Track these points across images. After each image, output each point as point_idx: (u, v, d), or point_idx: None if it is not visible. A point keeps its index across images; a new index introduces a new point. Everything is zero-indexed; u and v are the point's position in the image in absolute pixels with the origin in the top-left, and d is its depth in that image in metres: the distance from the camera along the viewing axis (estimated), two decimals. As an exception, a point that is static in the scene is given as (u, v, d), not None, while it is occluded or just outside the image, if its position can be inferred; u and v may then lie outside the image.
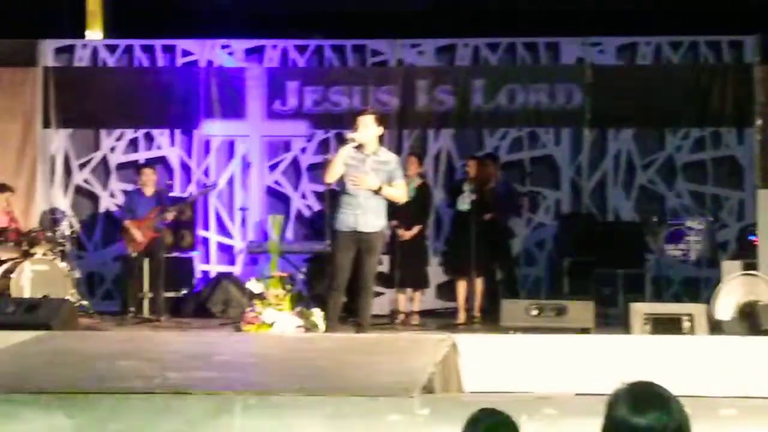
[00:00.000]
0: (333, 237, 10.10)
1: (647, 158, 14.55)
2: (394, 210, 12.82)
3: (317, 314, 10.52)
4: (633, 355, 8.70)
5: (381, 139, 10.32)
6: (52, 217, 14.47)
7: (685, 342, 9.57)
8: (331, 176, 9.97)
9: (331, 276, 10.03)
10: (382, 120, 10.20)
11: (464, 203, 12.73)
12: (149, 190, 13.67)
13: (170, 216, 13.52)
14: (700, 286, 13.99)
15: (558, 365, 8.68)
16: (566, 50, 14.76)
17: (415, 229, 13.04)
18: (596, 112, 14.56)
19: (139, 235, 13.39)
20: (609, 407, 3.26)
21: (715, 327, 10.94)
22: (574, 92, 14.65)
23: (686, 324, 10.50)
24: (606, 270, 13.50)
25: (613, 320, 12.28)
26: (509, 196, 13.81)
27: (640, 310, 10.61)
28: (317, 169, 14.31)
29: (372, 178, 9.85)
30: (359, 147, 9.91)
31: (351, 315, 10.77)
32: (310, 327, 10.79)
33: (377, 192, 9.91)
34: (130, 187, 14.34)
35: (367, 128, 9.90)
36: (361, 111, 10.46)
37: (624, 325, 10.89)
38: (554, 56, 14.82)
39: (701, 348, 9.00)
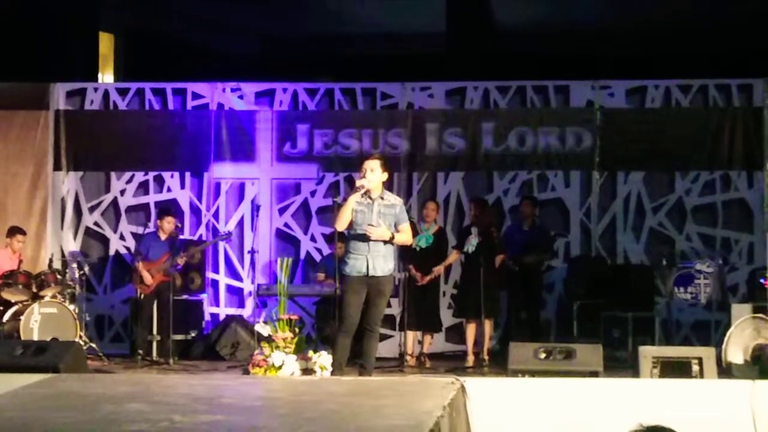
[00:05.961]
0: (343, 281, 10.08)
1: (657, 201, 14.55)
2: (412, 255, 12.85)
3: (325, 357, 10.49)
4: (642, 399, 8.63)
5: (389, 181, 10.33)
6: (61, 260, 14.47)
7: (694, 385, 9.50)
8: (342, 224, 9.99)
9: (341, 319, 10.02)
10: (388, 165, 10.22)
11: (470, 245, 12.73)
12: (164, 235, 13.68)
13: (182, 261, 13.55)
14: (710, 329, 13.99)
15: (566, 409, 8.63)
16: (576, 93, 14.79)
17: (433, 274, 13.03)
18: (606, 155, 14.58)
19: (148, 277, 13.40)
20: None
21: (725, 370, 10.90)
22: (583, 135, 14.66)
23: (695, 367, 10.42)
24: (615, 313, 13.47)
25: (622, 363, 12.22)
26: (543, 237, 13.79)
27: (649, 353, 10.53)
28: (327, 212, 14.34)
29: (385, 229, 9.91)
30: (366, 192, 9.93)
31: (356, 357, 10.75)
32: (318, 370, 10.76)
33: (389, 241, 9.95)
34: (140, 229, 14.36)
35: (374, 173, 9.92)
36: (368, 156, 10.48)
37: (633, 368, 10.84)
38: (564, 99, 14.84)
39: (710, 392, 8.93)
